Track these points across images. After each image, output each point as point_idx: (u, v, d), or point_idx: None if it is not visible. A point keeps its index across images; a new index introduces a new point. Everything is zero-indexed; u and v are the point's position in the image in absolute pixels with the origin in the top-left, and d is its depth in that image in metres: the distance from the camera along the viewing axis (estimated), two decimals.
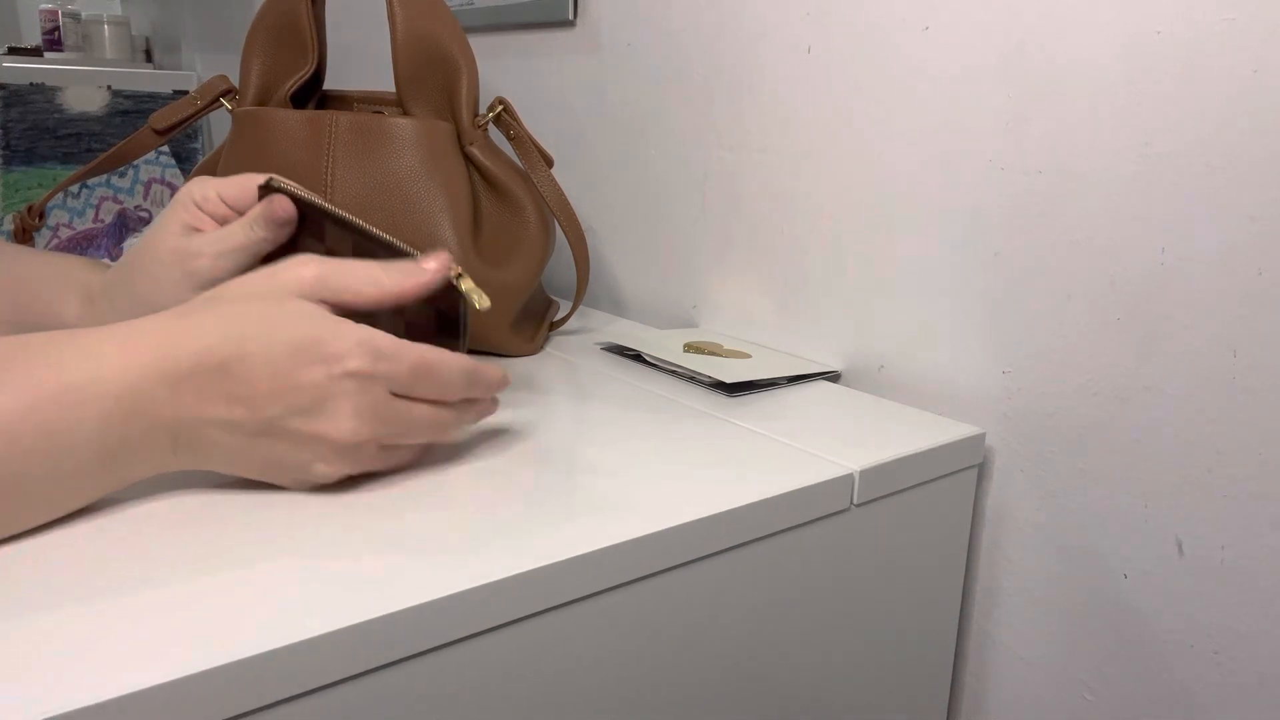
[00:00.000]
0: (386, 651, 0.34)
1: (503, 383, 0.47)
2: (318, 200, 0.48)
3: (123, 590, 0.34)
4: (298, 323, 0.39)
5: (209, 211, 0.50)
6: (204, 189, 0.50)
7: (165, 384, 0.37)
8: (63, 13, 2.31)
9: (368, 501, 0.42)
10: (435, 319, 0.47)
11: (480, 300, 0.46)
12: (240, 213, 0.51)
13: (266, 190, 0.49)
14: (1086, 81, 0.51)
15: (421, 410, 0.43)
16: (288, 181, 0.49)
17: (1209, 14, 0.46)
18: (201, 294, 0.42)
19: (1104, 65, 0.51)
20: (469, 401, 0.46)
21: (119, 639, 0.31)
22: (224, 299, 0.41)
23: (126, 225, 1.63)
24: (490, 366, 0.45)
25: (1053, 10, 0.52)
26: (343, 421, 0.39)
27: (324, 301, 0.41)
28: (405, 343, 0.41)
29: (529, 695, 0.39)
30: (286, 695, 0.32)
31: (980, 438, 0.56)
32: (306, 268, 0.42)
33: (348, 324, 0.40)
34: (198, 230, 0.50)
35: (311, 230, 0.49)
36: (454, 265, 0.45)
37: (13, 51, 2.29)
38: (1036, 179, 0.54)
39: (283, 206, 0.48)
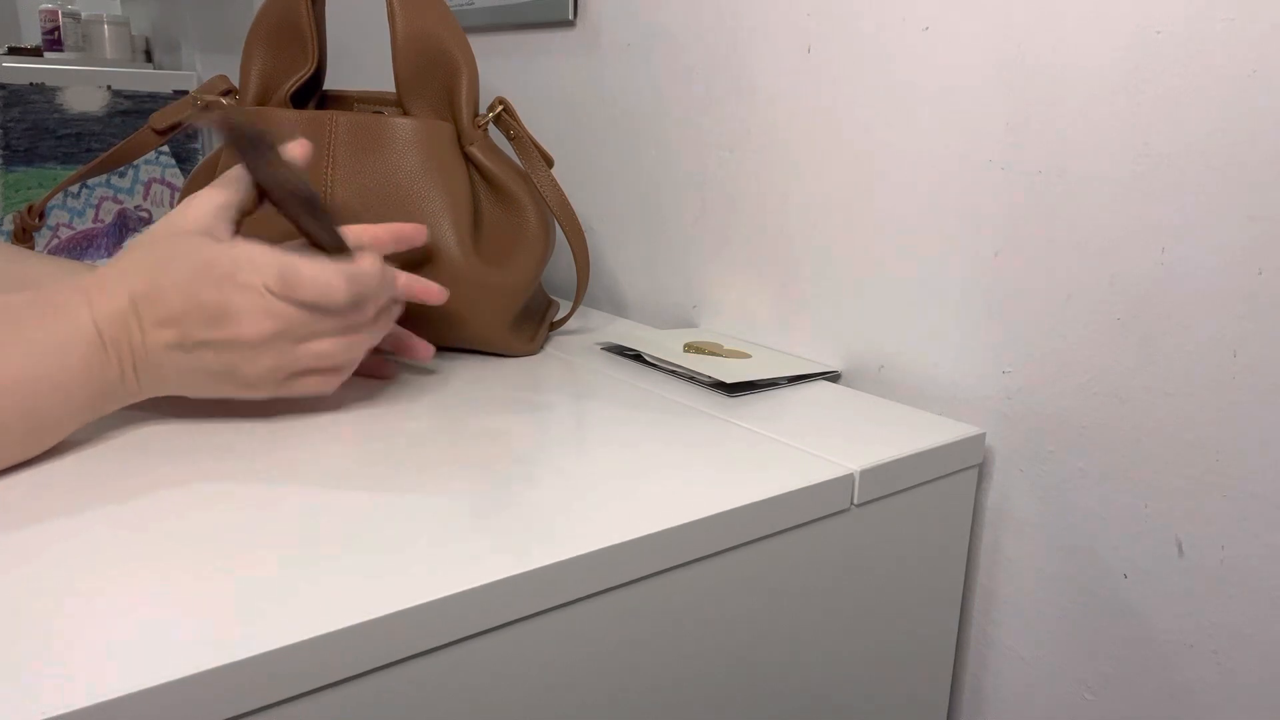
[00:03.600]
0: (386, 651, 0.34)
1: (378, 276, 0.51)
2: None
3: (123, 591, 0.34)
4: (195, 253, 0.47)
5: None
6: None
7: (118, 321, 0.45)
8: (63, 13, 2.31)
9: (368, 502, 0.42)
10: (300, 203, 0.49)
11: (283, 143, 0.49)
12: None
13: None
14: (1087, 81, 0.51)
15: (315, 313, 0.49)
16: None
17: (1209, 14, 0.46)
18: (135, 237, 0.50)
19: (1104, 65, 0.51)
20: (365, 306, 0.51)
21: (119, 639, 0.31)
22: (145, 242, 0.48)
23: (126, 225, 1.63)
24: (361, 263, 0.50)
25: (1053, 10, 0.52)
26: (245, 323, 0.47)
27: (230, 224, 0.49)
28: (284, 252, 0.47)
29: (529, 695, 0.39)
30: (286, 695, 0.32)
31: (980, 438, 0.56)
32: (208, 202, 0.49)
33: (238, 246, 0.47)
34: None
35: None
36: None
37: (13, 51, 2.30)
38: (1036, 179, 0.54)
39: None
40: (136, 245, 0.48)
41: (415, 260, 0.63)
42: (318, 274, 0.47)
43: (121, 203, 1.67)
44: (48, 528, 0.38)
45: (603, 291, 0.90)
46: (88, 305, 0.45)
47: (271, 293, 0.47)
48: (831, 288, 0.67)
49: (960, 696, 0.63)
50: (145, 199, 1.67)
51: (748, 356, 0.68)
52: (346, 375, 0.52)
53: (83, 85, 1.68)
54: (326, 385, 0.51)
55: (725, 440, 0.52)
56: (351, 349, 0.51)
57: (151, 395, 0.48)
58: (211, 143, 1.81)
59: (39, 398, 0.43)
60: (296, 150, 0.52)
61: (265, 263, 0.47)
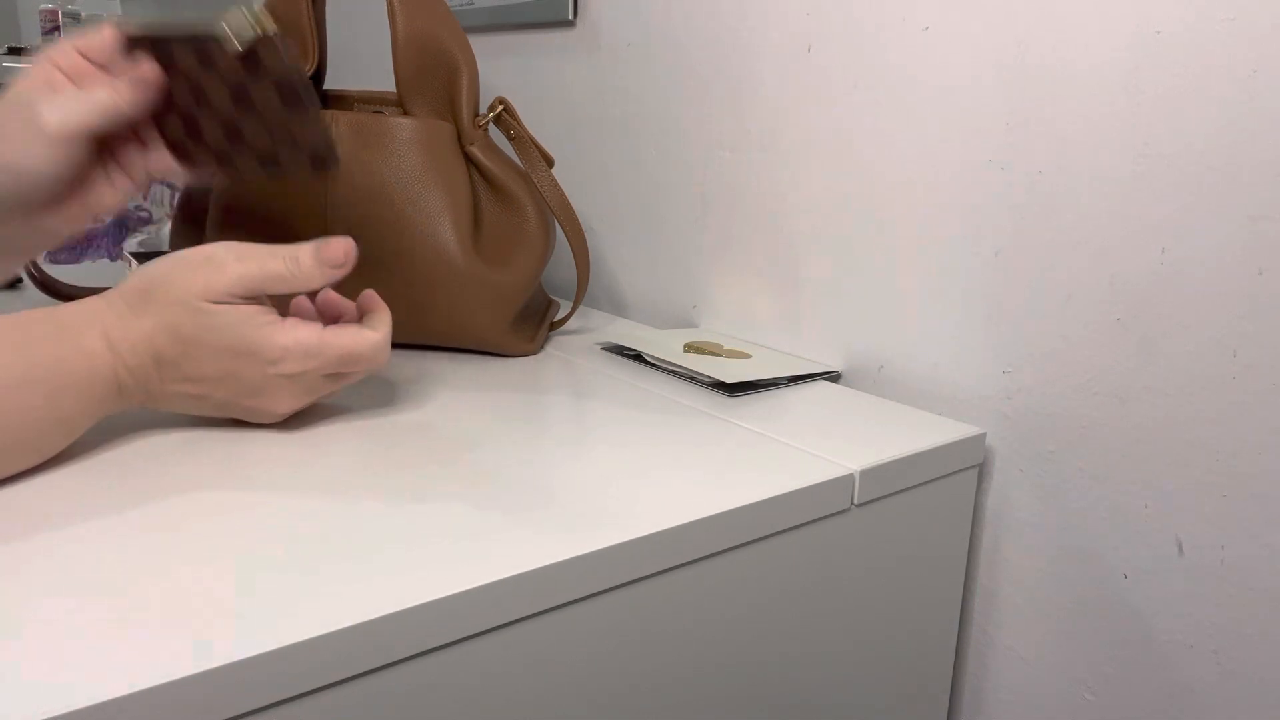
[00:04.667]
0: (386, 651, 0.34)
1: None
2: (177, 31, 0.48)
3: (122, 591, 0.34)
4: (233, 335, 0.46)
5: (67, 69, 0.50)
6: (61, 46, 0.51)
7: (138, 374, 0.46)
8: (63, 13, 2.31)
9: (368, 502, 0.42)
10: (277, 94, 0.47)
11: (262, 24, 0.47)
12: (100, 65, 0.51)
13: (132, 43, 0.49)
14: (1087, 81, 0.51)
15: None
16: (146, 25, 0.49)
17: (1209, 14, 0.46)
18: (138, 278, 0.46)
19: (1104, 65, 0.51)
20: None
21: (119, 639, 0.31)
22: (160, 299, 0.45)
23: (126, 225, 1.63)
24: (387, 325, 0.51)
25: (1053, 11, 0.52)
26: (283, 402, 0.48)
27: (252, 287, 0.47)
28: (328, 337, 0.47)
29: (530, 695, 0.39)
30: (286, 695, 0.32)
31: (980, 438, 0.56)
32: (225, 272, 0.46)
33: (278, 330, 0.46)
34: (55, 91, 0.50)
35: (181, 73, 0.49)
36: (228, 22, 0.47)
37: (13, 51, 2.29)
38: (1036, 179, 0.54)
39: (151, 71, 0.50)
40: (161, 296, 0.45)
41: (416, 262, 0.63)
42: (371, 348, 0.49)
43: None
44: (48, 529, 0.38)
45: (603, 291, 0.90)
46: (111, 359, 0.44)
47: (324, 376, 0.48)
48: (831, 287, 0.67)
49: (960, 696, 0.63)
50: (145, 199, 1.66)
51: (748, 356, 0.68)
52: None
53: None
54: None
55: (725, 440, 0.52)
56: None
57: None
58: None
59: (48, 436, 0.43)
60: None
61: (317, 349, 0.47)
